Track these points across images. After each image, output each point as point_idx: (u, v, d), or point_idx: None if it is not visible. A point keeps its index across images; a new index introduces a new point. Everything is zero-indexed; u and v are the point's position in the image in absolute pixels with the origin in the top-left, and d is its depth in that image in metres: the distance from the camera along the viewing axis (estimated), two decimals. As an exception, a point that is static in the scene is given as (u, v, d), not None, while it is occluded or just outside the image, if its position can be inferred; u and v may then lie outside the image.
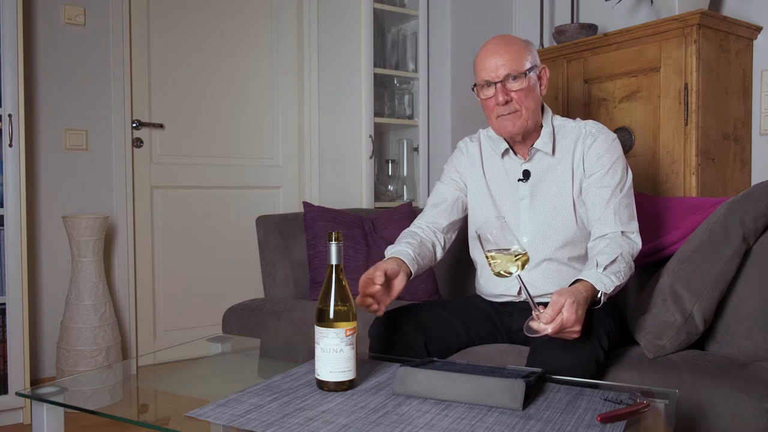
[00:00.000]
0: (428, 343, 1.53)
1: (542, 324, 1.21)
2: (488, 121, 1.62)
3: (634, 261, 1.47)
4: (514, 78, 1.51)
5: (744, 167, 2.41)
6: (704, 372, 1.36)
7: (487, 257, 1.24)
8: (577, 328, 1.24)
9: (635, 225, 1.54)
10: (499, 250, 1.21)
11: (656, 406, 1.09)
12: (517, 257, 1.21)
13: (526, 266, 1.24)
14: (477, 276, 1.76)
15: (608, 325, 1.43)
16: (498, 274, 1.24)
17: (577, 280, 1.35)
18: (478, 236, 1.24)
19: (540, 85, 1.58)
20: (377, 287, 1.36)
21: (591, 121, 1.64)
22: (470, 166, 1.72)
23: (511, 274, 1.22)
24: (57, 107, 2.72)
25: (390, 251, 1.55)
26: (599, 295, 1.34)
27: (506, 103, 1.52)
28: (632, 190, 1.57)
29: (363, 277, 1.38)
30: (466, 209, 1.74)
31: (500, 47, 1.53)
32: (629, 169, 1.59)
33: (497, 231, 1.21)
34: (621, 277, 1.38)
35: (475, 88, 1.60)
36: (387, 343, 1.52)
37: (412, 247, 1.55)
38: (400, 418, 1.02)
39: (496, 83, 1.52)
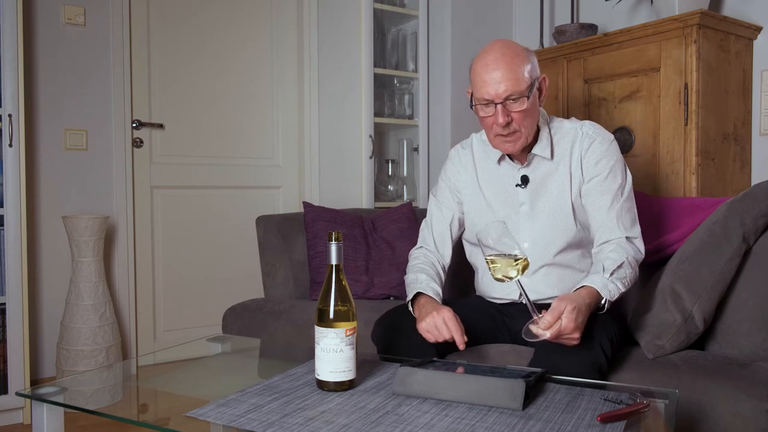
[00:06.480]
0: (426, 343, 1.52)
1: (541, 329, 1.23)
2: (486, 135, 1.59)
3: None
4: (515, 99, 1.45)
5: (744, 167, 2.41)
6: (704, 372, 1.36)
7: (487, 261, 1.25)
8: (576, 335, 1.25)
9: (638, 229, 1.54)
10: (499, 255, 1.23)
11: (656, 406, 1.09)
12: (517, 262, 1.22)
13: (526, 271, 1.24)
14: (477, 279, 1.76)
15: (612, 331, 1.41)
16: (499, 279, 1.25)
17: (582, 287, 1.36)
18: (479, 240, 1.25)
19: (540, 96, 1.53)
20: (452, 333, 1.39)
21: (588, 122, 1.61)
22: (464, 175, 1.70)
23: (511, 278, 1.23)
24: (57, 107, 2.71)
25: (422, 286, 1.53)
26: (603, 302, 1.35)
27: (507, 124, 1.47)
28: (632, 192, 1.56)
29: (434, 327, 1.39)
30: (462, 225, 1.73)
31: (501, 63, 1.44)
32: (628, 170, 1.58)
33: (498, 235, 1.22)
34: (626, 284, 1.40)
35: (472, 101, 1.53)
36: (387, 344, 1.52)
37: (437, 283, 1.57)
38: (400, 418, 1.02)
39: (496, 104, 1.46)
